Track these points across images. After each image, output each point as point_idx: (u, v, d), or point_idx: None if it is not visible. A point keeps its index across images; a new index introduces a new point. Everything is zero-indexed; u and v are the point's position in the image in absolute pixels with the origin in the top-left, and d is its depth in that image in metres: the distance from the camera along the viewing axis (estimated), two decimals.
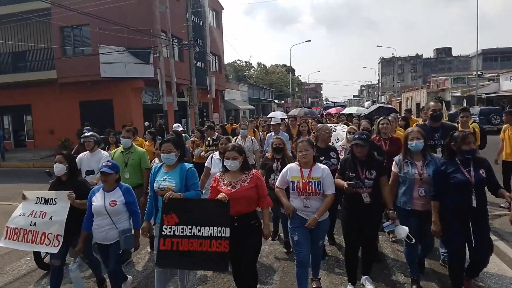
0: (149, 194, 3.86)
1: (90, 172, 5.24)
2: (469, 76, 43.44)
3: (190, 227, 3.29)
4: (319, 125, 5.71)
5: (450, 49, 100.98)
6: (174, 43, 17.45)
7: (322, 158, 4.78)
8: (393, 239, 5.31)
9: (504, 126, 7.08)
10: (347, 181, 3.78)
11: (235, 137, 8.23)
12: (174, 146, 3.75)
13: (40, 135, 20.39)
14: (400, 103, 57.24)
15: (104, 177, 3.81)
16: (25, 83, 19.57)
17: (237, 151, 3.55)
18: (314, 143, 4.94)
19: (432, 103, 4.88)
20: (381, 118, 5.86)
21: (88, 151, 5.42)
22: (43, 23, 18.46)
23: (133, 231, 3.87)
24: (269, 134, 8.38)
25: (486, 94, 34.25)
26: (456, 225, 3.56)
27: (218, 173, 3.71)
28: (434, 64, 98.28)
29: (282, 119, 11.37)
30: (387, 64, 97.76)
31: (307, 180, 3.70)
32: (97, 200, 3.82)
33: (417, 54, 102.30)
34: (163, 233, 3.29)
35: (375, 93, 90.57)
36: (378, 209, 4.07)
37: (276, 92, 59.84)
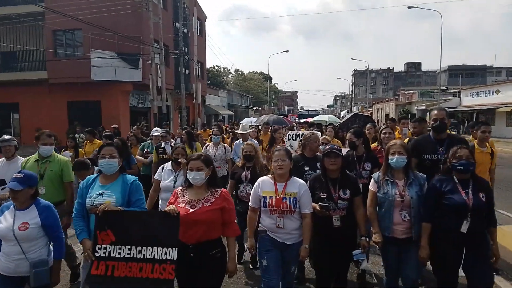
0: (74, 214, 3.16)
1: (1, 183, 4.25)
2: (435, 91, 46.55)
3: (129, 247, 2.74)
4: (307, 132, 5.34)
5: (419, 64, 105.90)
6: (165, 52, 18.67)
7: (306, 168, 4.34)
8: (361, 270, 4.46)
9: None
10: (320, 203, 3.33)
11: (206, 144, 7.44)
12: (117, 152, 3.17)
13: (27, 133, 20.89)
14: (371, 114, 60.07)
15: (12, 194, 2.95)
16: (14, 82, 20.17)
17: (203, 161, 2.98)
18: (301, 152, 4.74)
19: (435, 111, 4.21)
20: (382, 126, 5.44)
21: (4, 158, 4.55)
22: (36, 25, 19.23)
23: (51, 262, 3.08)
24: (237, 141, 7.66)
25: (448, 108, 37.02)
26: (449, 251, 3.13)
27: (180, 187, 3.13)
28: (404, 77, 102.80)
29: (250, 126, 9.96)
30: (360, 76, 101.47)
31: (282, 196, 3.24)
32: (5, 220, 2.97)
33: (388, 68, 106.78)
34: (96, 254, 2.75)
35: (348, 103, 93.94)
36: (352, 235, 3.56)
37: (253, 99, 61.40)
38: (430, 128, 4.38)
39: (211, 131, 9.31)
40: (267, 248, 3.32)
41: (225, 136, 10.03)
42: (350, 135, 4.77)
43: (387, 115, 50.70)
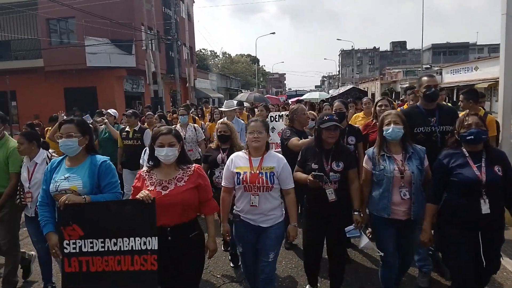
0: (38, 202, 2.85)
1: None
2: (419, 69, 47.86)
3: (102, 240, 2.50)
4: (294, 105, 5.04)
5: (404, 42, 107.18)
6: (158, 37, 19.41)
7: None
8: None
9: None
10: (313, 173, 3.11)
11: (174, 126, 6.51)
12: (78, 130, 2.77)
13: (25, 120, 21.43)
14: None
15: None
16: (10, 71, 20.68)
17: (174, 136, 2.73)
18: (290, 125, 4.54)
19: (425, 77, 3.76)
20: (379, 98, 4.98)
21: None
22: (29, 14, 19.68)
23: None
24: (219, 121, 6.93)
25: None
26: (461, 237, 2.75)
27: (144, 169, 2.84)
28: (390, 57, 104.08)
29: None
30: (347, 56, 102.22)
31: (257, 171, 2.97)
32: None
33: (374, 47, 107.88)
34: (65, 250, 2.50)
35: (336, 83, 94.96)
36: (346, 209, 3.36)
37: (241, 81, 61.97)
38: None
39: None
40: (242, 234, 3.11)
41: (197, 118, 8.97)
42: (339, 104, 4.53)
43: (372, 94, 51.97)
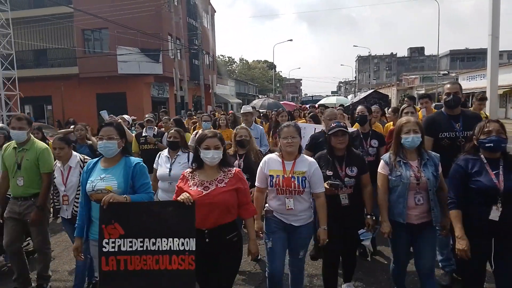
0: (79, 201, 3.02)
1: None
2: (436, 75, 48.20)
3: (142, 239, 2.54)
4: (327, 110, 5.00)
5: (422, 48, 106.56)
6: (185, 47, 20.84)
7: None
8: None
9: None
10: (329, 181, 3.26)
11: (196, 131, 6.57)
12: (117, 133, 2.94)
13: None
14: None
15: None
16: (47, 77, 22.40)
17: (220, 139, 2.83)
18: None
19: (448, 84, 3.84)
20: (404, 105, 5.05)
21: None
22: (66, 25, 21.37)
23: None
24: (238, 126, 6.71)
25: None
26: (475, 243, 2.76)
27: (188, 170, 2.93)
28: (408, 62, 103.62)
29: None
30: (363, 62, 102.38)
31: (290, 175, 3.08)
32: None
33: (392, 53, 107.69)
34: (104, 249, 2.53)
35: (352, 89, 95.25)
36: (359, 214, 3.50)
37: (258, 87, 63.19)
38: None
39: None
40: (273, 230, 3.20)
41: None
42: (362, 108, 4.70)
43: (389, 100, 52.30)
